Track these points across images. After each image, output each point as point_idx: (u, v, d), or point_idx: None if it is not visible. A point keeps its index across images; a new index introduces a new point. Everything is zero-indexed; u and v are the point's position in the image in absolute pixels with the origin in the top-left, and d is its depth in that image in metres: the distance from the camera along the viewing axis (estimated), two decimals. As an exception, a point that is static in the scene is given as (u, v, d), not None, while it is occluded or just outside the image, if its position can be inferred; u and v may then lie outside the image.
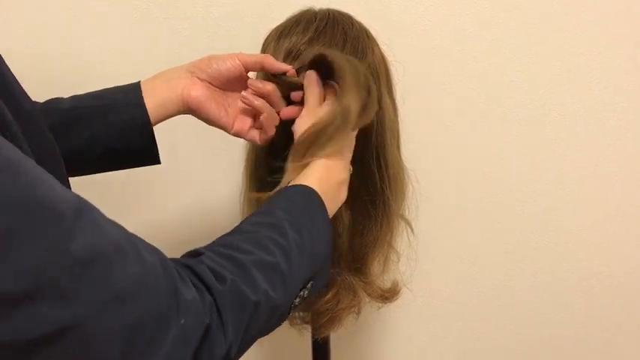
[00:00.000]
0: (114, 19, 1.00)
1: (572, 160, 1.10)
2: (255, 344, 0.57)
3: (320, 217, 0.63)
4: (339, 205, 0.69)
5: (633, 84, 1.05)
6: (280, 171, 0.71)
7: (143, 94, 0.73)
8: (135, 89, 0.74)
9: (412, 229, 0.89)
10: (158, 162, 0.77)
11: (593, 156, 1.09)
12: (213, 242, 0.57)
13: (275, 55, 0.75)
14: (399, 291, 0.88)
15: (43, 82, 0.94)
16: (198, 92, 0.73)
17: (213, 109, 0.74)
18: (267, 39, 0.79)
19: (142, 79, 0.75)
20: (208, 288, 0.51)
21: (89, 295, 0.41)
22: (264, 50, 0.79)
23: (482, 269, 1.16)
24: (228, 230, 0.59)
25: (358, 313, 0.85)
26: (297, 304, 0.60)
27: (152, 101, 0.73)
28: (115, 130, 0.72)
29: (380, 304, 0.88)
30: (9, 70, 0.54)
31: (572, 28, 1.03)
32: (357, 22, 0.79)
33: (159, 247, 0.50)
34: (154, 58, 1.02)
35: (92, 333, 0.42)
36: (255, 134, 0.76)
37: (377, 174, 0.78)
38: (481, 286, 1.17)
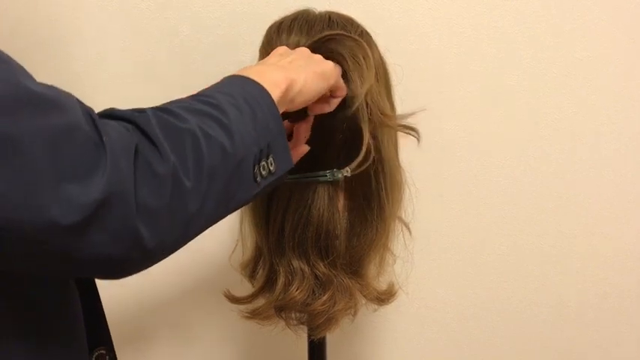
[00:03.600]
0: (114, 18, 1.00)
1: (571, 163, 1.10)
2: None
3: (253, 87, 0.59)
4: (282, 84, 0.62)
5: (633, 87, 1.06)
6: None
7: None
8: None
9: (410, 231, 0.89)
10: None
11: (592, 158, 1.10)
12: None
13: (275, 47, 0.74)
14: (394, 293, 0.88)
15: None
16: None
17: None
18: (267, 34, 0.79)
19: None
20: (127, 120, 0.50)
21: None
22: (264, 44, 0.79)
23: (478, 272, 1.16)
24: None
25: (354, 314, 0.85)
26: (263, 175, 0.57)
27: None
28: None
29: (376, 306, 0.88)
30: None
31: (570, 32, 1.03)
32: (357, 24, 0.79)
33: None
34: (154, 58, 1.02)
35: (14, 136, 0.41)
36: None
37: (373, 176, 0.78)
38: (477, 289, 1.17)
